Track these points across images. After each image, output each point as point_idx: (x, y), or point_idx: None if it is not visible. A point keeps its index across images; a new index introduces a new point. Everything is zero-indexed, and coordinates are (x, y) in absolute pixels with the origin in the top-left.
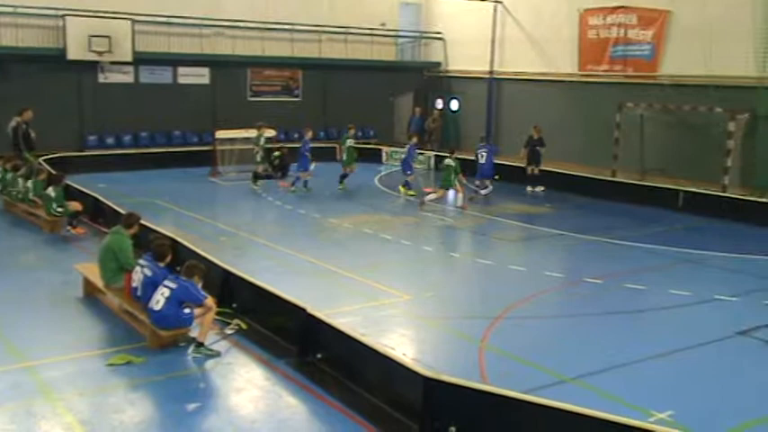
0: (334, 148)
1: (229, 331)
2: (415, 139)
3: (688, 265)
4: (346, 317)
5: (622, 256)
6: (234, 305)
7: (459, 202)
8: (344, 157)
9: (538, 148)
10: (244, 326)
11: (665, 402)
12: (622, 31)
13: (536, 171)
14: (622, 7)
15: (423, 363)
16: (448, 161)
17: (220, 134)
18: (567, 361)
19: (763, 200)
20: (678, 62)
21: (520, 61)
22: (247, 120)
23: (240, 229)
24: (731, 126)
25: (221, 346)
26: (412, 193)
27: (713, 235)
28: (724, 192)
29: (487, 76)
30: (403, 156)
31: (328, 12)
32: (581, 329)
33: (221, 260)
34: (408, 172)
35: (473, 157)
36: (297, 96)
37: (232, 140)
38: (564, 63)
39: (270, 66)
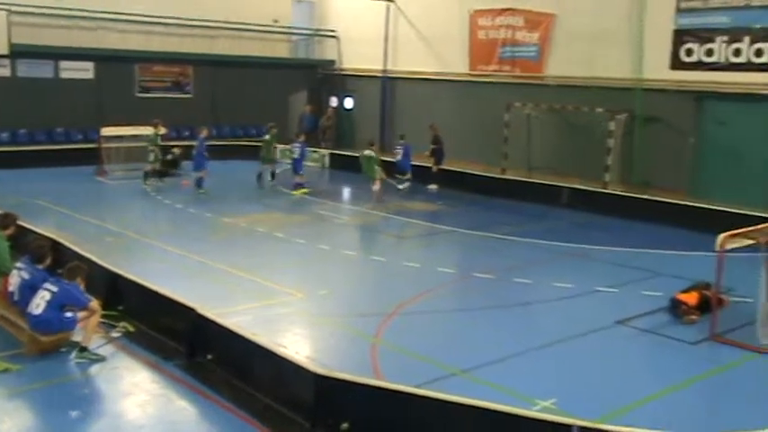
0: (227, 146)
1: (116, 334)
2: (302, 138)
3: (572, 259)
4: (238, 317)
5: (510, 251)
6: (120, 307)
7: (376, 191)
8: (264, 155)
9: (433, 146)
10: (131, 328)
11: (549, 391)
12: (510, 32)
13: (435, 169)
14: (510, 9)
15: (316, 361)
16: (368, 152)
17: (107, 131)
18: (458, 354)
19: (642, 196)
20: (562, 64)
21: (413, 60)
22: (136, 117)
23: (128, 229)
24: (611, 125)
25: (107, 350)
26: (305, 191)
27: (596, 230)
28: (605, 188)
29: (381, 74)
30: (295, 156)
31: (219, 7)
32: (471, 323)
33: (107, 261)
34: (300, 172)
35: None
36: (188, 93)
37: (119, 138)
38: (455, 63)
39: (159, 61)
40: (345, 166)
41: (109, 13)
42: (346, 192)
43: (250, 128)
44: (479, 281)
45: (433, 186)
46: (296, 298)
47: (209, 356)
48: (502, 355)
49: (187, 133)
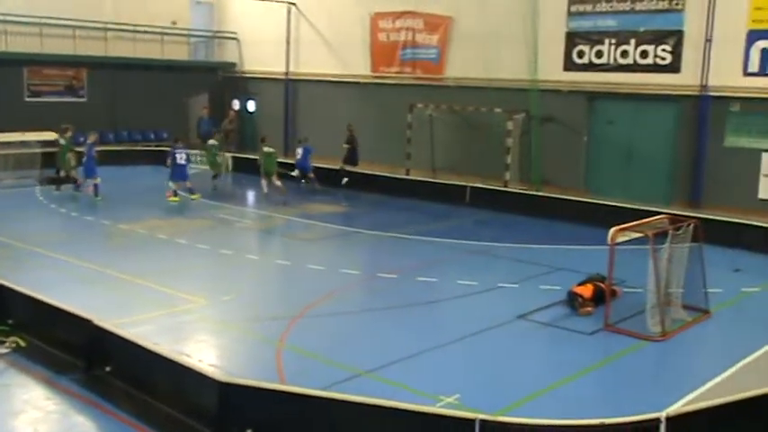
0: (125, 151)
1: (4, 350)
2: (180, 143)
3: (475, 257)
4: (139, 326)
5: (415, 250)
6: (9, 321)
7: (280, 186)
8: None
9: (347, 145)
10: (22, 343)
11: (452, 387)
12: (411, 34)
13: (340, 166)
14: (410, 12)
15: (220, 368)
16: (267, 149)
17: None
18: (363, 355)
19: (540, 193)
20: (461, 65)
21: (316, 62)
22: (24, 122)
23: (17, 239)
24: (509, 125)
25: None
26: (195, 196)
27: (498, 227)
28: (506, 187)
29: (284, 77)
30: (182, 162)
31: (113, 8)
32: (376, 324)
33: None
34: (184, 178)
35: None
36: (82, 97)
37: (8, 144)
38: (358, 65)
39: (50, 64)
40: (248, 170)
41: None
42: (250, 195)
43: (149, 132)
44: (384, 281)
45: (345, 180)
46: (199, 305)
47: (108, 369)
48: (406, 354)
49: (81, 139)
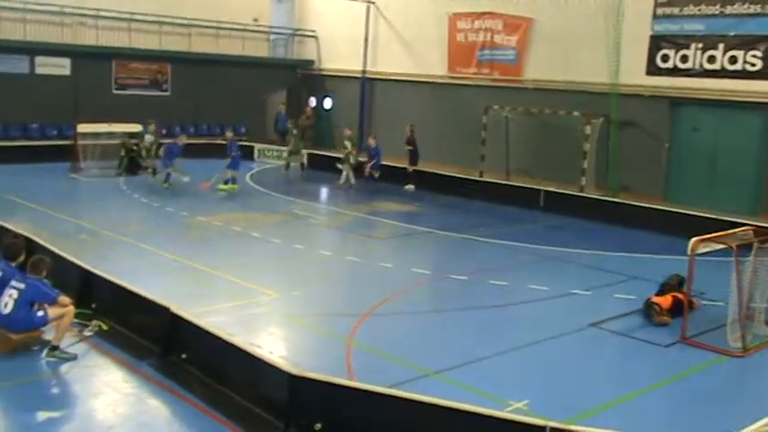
0: (204, 144)
1: (88, 333)
2: (230, 134)
3: (547, 262)
4: (213, 316)
5: (487, 253)
6: (94, 305)
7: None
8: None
9: (408, 147)
10: (105, 327)
11: (522, 392)
12: (489, 35)
13: (409, 169)
14: (489, 13)
15: (290, 361)
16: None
17: (82, 128)
18: (432, 355)
19: (617, 200)
20: (540, 67)
21: (392, 61)
22: (112, 114)
23: (103, 227)
24: (587, 130)
25: (79, 348)
26: (234, 186)
27: (571, 233)
28: (581, 192)
29: (360, 75)
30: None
31: (198, 5)
32: (445, 325)
33: (82, 260)
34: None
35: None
36: (165, 91)
37: (95, 135)
38: (434, 64)
39: (136, 58)
40: (324, 167)
41: (86, 8)
42: (324, 192)
43: (228, 126)
44: (454, 282)
45: (409, 186)
46: (271, 298)
47: (183, 356)
48: (475, 357)
49: (164, 131)
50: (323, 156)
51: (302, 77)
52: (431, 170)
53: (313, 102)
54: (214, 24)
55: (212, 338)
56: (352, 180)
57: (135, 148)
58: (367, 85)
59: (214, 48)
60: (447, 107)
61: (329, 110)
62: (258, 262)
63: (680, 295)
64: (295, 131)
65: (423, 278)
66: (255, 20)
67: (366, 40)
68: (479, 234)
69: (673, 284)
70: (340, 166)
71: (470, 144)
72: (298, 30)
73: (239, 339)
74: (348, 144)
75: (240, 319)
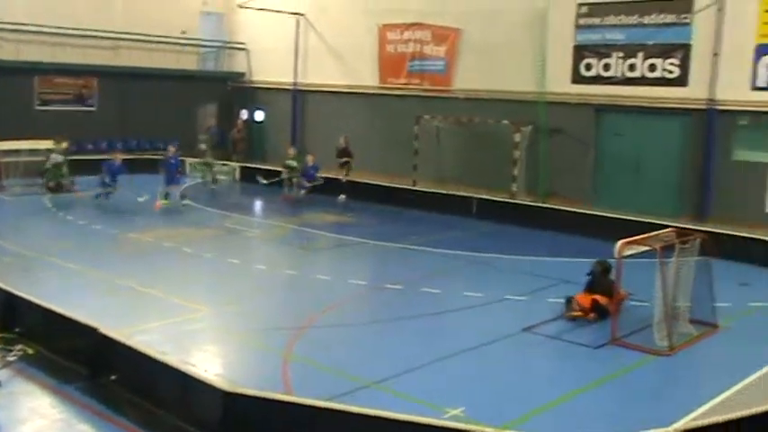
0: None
1: (11, 358)
2: (172, 149)
3: (481, 269)
4: (145, 335)
5: (421, 261)
6: (17, 330)
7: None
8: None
9: (345, 159)
10: (30, 351)
11: (458, 399)
12: (418, 46)
13: (343, 179)
14: (418, 24)
15: (225, 377)
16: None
17: (4, 145)
18: (369, 366)
19: (547, 205)
20: (469, 77)
21: (324, 73)
22: (34, 130)
23: (27, 247)
24: (517, 137)
25: (3, 374)
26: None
27: (504, 239)
28: (512, 198)
29: (292, 87)
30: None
31: (123, 18)
32: (382, 335)
33: (4, 282)
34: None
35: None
36: (91, 106)
37: (17, 152)
38: (365, 76)
39: (61, 73)
40: (257, 180)
41: (6, 23)
42: (257, 205)
43: (158, 141)
44: (390, 292)
45: (342, 197)
46: (206, 314)
47: (113, 377)
48: (412, 366)
49: (90, 147)
50: (255, 168)
51: (233, 90)
52: (364, 180)
53: (244, 114)
54: (142, 37)
55: (142, 358)
56: (300, 193)
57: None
58: (299, 97)
59: (142, 61)
60: (379, 118)
61: (261, 122)
62: (191, 278)
63: (600, 298)
64: (203, 146)
65: (359, 289)
66: (183, 32)
67: (296, 52)
68: (413, 243)
69: (598, 271)
70: (274, 179)
71: (403, 154)
72: (227, 42)
73: (172, 358)
74: (293, 163)
75: (173, 337)
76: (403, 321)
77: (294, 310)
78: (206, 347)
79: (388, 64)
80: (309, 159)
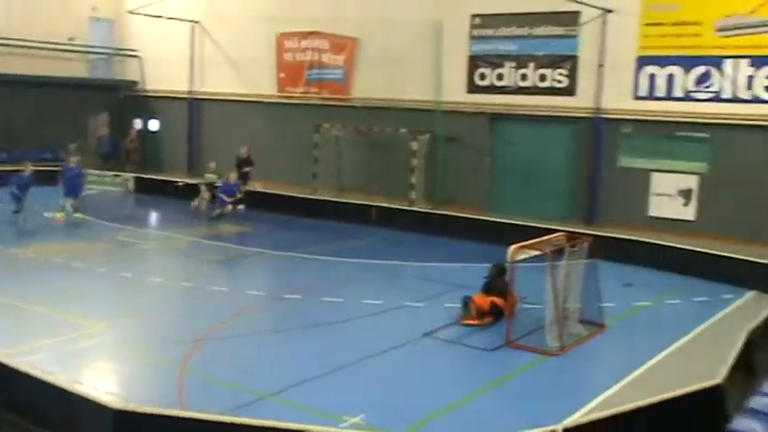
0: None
1: None
2: (74, 159)
3: (381, 276)
4: (32, 355)
5: (321, 270)
6: None
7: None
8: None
9: (247, 168)
10: None
11: (357, 407)
12: (316, 55)
13: (242, 189)
14: (315, 33)
15: (117, 395)
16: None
17: None
18: (267, 377)
19: (444, 212)
20: (367, 86)
21: (221, 82)
22: None
23: None
24: (414, 146)
25: None
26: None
27: (402, 246)
28: (411, 206)
29: (187, 96)
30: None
31: (5, 23)
32: (280, 345)
33: None
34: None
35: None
36: None
37: None
38: (264, 84)
39: None
40: (152, 190)
41: None
42: (152, 216)
43: (46, 152)
44: (289, 302)
45: (241, 207)
46: (98, 330)
47: None
48: (311, 375)
49: None
50: (150, 179)
51: (126, 99)
52: (264, 190)
53: (138, 124)
54: (28, 44)
55: (27, 379)
56: (224, 208)
57: None
58: (195, 106)
59: (29, 68)
60: (278, 126)
61: (156, 132)
62: (82, 293)
63: (498, 300)
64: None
65: (257, 300)
66: (71, 39)
67: (191, 60)
68: (313, 252)
69: (494, 273)
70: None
71: (303, 162)
72: (118, 49)
73: (59, 377)
74: (213, 177)
75: (63, 356)
76: (302, 331)
77: (191, 323)
78: (98, 364)
79: (287, 73)
80: (232, 177)
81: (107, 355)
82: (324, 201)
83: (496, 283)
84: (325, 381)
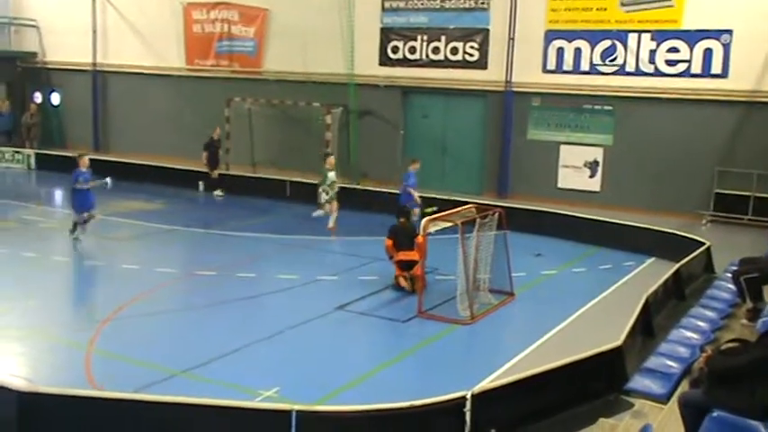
0: None
1: None
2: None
3: (295, 251)
4: None
5: (234, 246)
6: None
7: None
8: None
9: (218, 150)
10: None
11: (272, 381)
12: (226, 26)
13: (216, 174)
14: (224, 3)
15: (23, 377)
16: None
17: None
18: (179, 355)
19: (358, 187)
20: (280, 59)
21: (127, 54)
22: None
23: None
24: (328, 119)
25: None
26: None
27: (318, 221)
28: None
29: (91, 68)
30: None
31: None
32: (193, 322)
33: None
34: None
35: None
36: None
37: None
38: (172, 57)
39: None
40: (54, 167)
41: None
42: (56, 194)
43: None
44: (202, 278)
45: (218, 192)
46: (1, 311)
47: None
48: (225, 351)
49: None
50: (53, 156)
51: (24, 71)
52: (174, 166)
53: (38, 97)
54: None
55: None
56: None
57: None
58: (99, 78)
59: None
60: (188, 100)
61: (58, 106)
62: None
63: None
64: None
65: (169, 277)
66: None
67: (94, 30)
68: (227, 228)
69: (399, 222)
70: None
71: None
72: (14, 19)
73: None
74: (332, 175)
75: None
76: (215, 307)
77: (99, 303)
78: (1, 346)
79: (196, 45)
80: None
81: (11, 337)
82: (237, 176)
83: (404, 229)
84: (240, 356)
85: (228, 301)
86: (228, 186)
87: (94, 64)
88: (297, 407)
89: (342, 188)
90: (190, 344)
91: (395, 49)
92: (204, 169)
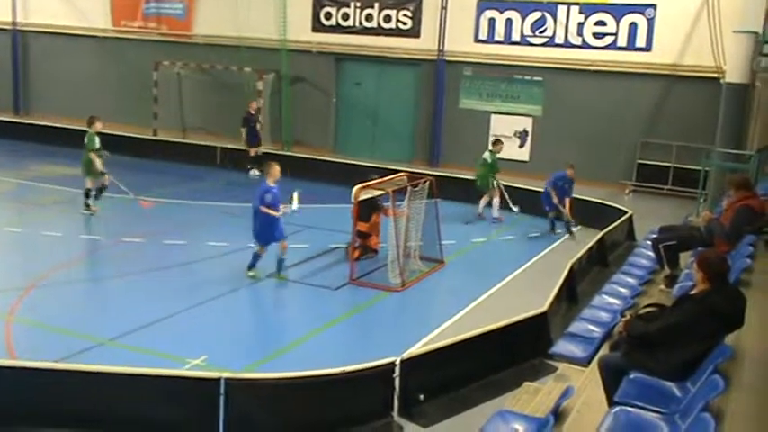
0: None
1: None
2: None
3: (227, 218)
4: None
5: (164, 213)
6: None
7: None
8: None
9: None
10: None
11: (200, 349)
12: None
13: (259, 152)
14: None
15: None
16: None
17: None
18: (105, 323)
19: (290, 153)
20: (210, 23)
21: (48, 12)
22: None
23: None
24: (260, 85)
25: None
26: None
27: (248, 188)
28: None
29: (10, 27)
30: None
31: None
32: (120, 290)
33: None
34: None
35: None
36: None
37: None
38: (97, 17)
39: None
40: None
41: None
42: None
43: None
44: (129, 246)
45: (255, 172)
46: None
47: None
48: (152, 319)
49: None
50: None
51: None
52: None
53: None
54: None
55: None
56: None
57: None
58: (19, 38)
59: None
60: (114, 63)
61: None
62: None
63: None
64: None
65: (94, 245)
66: None
67: None
68: (156, 195)
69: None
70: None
71: (142, 102)
72: None
73: None
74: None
75: None
76: (143, 275)
77: (18, 271)
78: None
79: (122, 5)
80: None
81: None
82: (166, 142)
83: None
84: (168, 324)
85: (156, 269)
86: (157, 152)
87: (14, 23)
88: (225, 374)
89: (274, 155)
90: (115, 312)
91: (327, 15)
92: (242, 146)
